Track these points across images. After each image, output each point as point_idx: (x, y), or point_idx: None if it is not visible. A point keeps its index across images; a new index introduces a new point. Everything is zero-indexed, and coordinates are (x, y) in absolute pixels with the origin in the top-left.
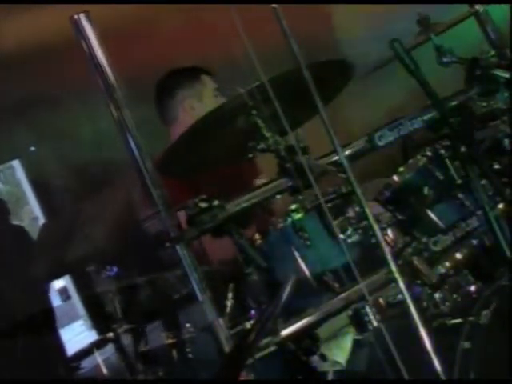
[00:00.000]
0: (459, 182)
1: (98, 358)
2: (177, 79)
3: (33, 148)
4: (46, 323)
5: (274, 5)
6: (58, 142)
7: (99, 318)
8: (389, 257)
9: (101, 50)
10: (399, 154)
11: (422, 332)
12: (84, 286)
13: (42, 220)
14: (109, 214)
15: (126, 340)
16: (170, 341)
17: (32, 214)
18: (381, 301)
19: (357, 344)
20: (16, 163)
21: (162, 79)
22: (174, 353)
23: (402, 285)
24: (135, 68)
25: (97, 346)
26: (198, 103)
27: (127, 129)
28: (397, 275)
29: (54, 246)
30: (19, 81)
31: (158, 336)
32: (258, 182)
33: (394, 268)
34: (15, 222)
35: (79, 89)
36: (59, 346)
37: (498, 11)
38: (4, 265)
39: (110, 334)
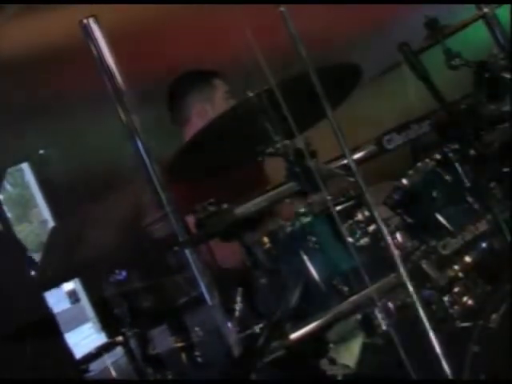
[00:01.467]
0: (468, 185)
1: (107, 360)
2: (189, 82)
3: (42, 151)
4: (55, 326)
5: (281, 8)
6: (68, 145)
7: (108, 321)
8: (398, 260)
9: (109, 53)
10: (408, 157)
11: (431, 335)
12: (93, 289)
13: (50, 223)
14: (118, 217)
15: (135, 343)
16: (178, 344)
17: (41, 217)
18: (390, 305)
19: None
20: (25, 166)
21: (174, 81)
22: (183, 356)
23: (410, 288)
24: (145, 70)
25: (105, 349)
26: (209, 106)
27: (135, 132)
28: (405, 279)
29: (63, 249)
30: (29, 84)
31: (166, 339)
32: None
33: (402, 272)
34: (24, 225)
35: (90, 92)
36: (68, 349)
37: (507, 14)
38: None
39: (119, 338)
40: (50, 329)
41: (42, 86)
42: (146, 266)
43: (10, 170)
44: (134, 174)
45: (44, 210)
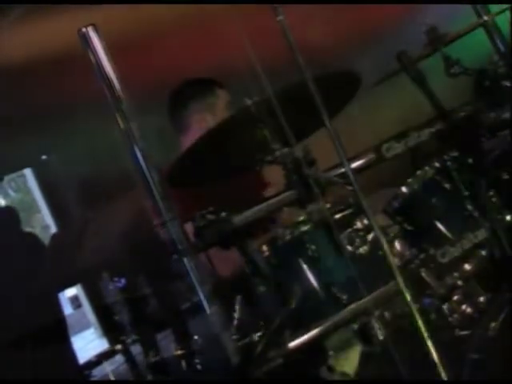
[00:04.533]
0: (466, 193)
1: (108, 368)
2: (190, 91)
3: (44, 156)
4: (57, 333)
5: (279, 17)
6: (70, 151)
7: (110, 327)
8: (395, 269)
9: (108, 62)
10: (408, 165)
11: (429, 344)
12: (94, 296)
13: (53, 228)
14: (120, 223)
15: (135, 351)
16: (178, 352)
17: (43, 222)
18: (387, 314)
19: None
20: (27, 171)
21: (176, 90)
22: (183, 363)
23: (408, 297)
24: (145, 79)
25: (106, 356)
26: (210, 116)
27: (134, 141)
28: (403, 288)
29: (64, 255)
30: (32, 91)
31: (167, 346)
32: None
33: (401, 280)
34: (27, 229)
35: (92, 98)
36: (70, 356)
37: (506, 22)
38: (16, 273)
39: (118, 346)
40: (55, 335)
41: (43, 92)
42: (149, 271)
43: (12, 175)
44: (136, 180)
45: (46, 216)
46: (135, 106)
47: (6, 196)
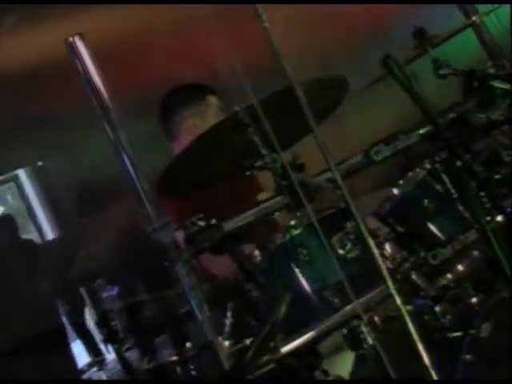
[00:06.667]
0: (455, 195)
1: (103, 375)
2: (181, 97)
3: (40, 162)
4: (56, 339)
5: (265, 24)
6: (66, 156)
7: (106, 335)
8: (385, 272)
9: (96, 71)
10: (399, 166)
11: (420, 347)
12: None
13: (50, 234)
14: (114, 229)
15: (131, 357)
16: (173, 358)
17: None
18: (376, 318)
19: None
20: (24, 177)
21: (167, 96)
22: (178, 369)
23: (398, 300)
24: (135, 85)
25: (99, 363)
26: (201, 122)
27: (123, 149)
28: (393, 291)
29: (59, 262)
30: (28, 97)
31: (161, 352)
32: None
33: (391, 283)
34: (25, 236)
35: (89, 105)
36: (68, 362)
37: (494, 23)
38: (13, 280)
39: (112, 353)
40: (57, 340)
41: (39, 98)
42: (143, 278)
43: (9, 182)
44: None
45: (43, 221)
46: (124, 114)
47: (4, 203)
